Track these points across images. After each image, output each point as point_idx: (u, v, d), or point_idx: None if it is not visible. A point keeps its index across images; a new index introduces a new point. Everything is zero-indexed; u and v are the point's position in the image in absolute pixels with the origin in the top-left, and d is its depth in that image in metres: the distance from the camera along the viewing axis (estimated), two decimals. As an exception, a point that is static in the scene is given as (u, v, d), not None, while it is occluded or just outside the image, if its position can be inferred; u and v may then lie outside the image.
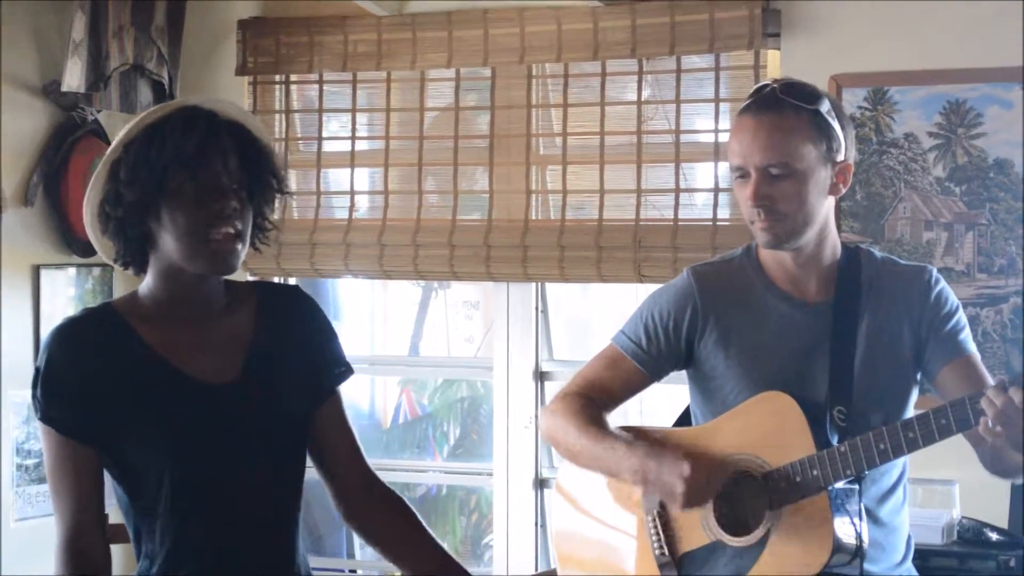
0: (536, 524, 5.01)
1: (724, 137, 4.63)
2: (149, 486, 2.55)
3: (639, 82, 4.77)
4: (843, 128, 2.96)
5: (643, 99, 4.77)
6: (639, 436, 3.10)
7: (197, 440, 2.54)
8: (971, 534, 4.03)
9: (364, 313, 6.76)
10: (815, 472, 2.88)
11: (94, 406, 2.53)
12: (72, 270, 5.05)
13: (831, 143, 2.93)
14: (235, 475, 2.56)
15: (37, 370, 2.57)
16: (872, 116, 4.43)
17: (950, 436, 2.82)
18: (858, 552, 2.92)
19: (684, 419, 3.24)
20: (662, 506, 3.06)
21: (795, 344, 2.99)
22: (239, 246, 2.54)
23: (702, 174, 4.80)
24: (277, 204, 2.69)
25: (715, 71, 4.66)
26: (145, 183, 2.50)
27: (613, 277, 4.77)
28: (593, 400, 3.11)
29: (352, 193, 5.16)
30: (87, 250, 5.03)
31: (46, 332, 4.81)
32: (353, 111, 5.15)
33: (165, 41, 5.07)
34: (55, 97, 4.93)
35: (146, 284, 2.62)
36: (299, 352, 2.67)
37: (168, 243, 2.53)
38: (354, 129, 5.17)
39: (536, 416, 4.95)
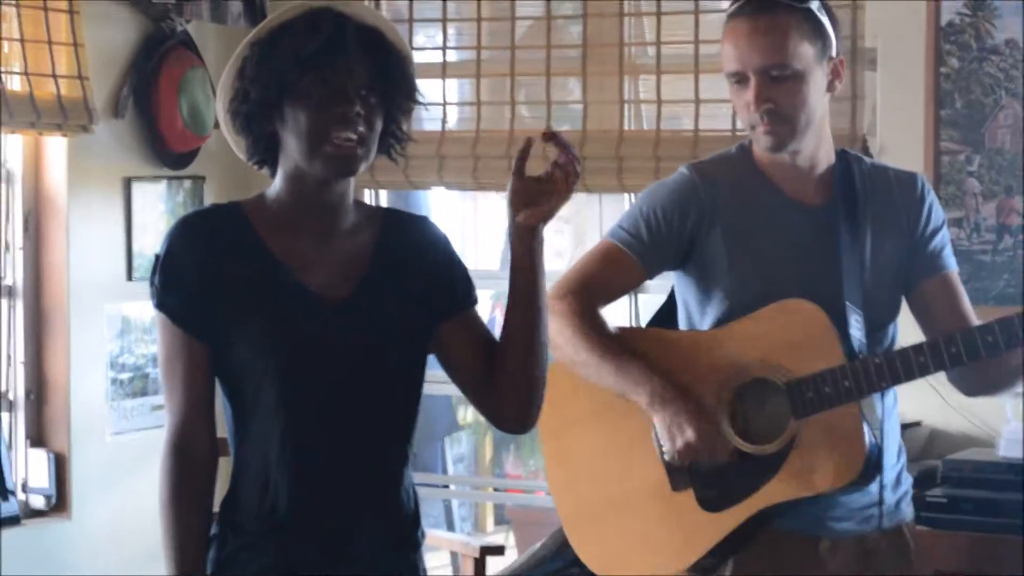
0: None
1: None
2: (248, 391, 2.54)
3: (736, -11, 4.67)
4: (833, 24, 2.95)
5: (740, 6, 4.68)
6: (650, 341, 3.06)
7: (301, 351, 2.52)
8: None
9: (455, 227, 6.73)
10: (847, 383, 2.86)
11: (208, 299, 2.52)
12: (163, 183, 5.03)
13: (825, 40, 2.93)
14: (336, 393, 2.53)
15: (157, 257, 2.56)
16: (972, 23, 4.33)
17: (996, 355, 2.84)
18: (878, 467, 2.91)
19: (661, 320, 3.20)
20: None
21: (796, 244, 2.98)
22: (359, 151, 2.51)
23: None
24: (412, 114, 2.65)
25: (815, -24, 4.55)
26: (267, 82, 2.50)
27: (709, 187, 4.70)
28: (594, 300, 3.06)
29: (444, 104, 5.11)
30: (178, 162, 5.03)
31: (138, 245, 4.88)
32: (444, 20, 5.10)
33: (256, -51, 5.03)
34: (144, 8, 4.90)
35: (274, 187, 2.61)
36: (417, 278, 2.61)
37: (290, 143, 2.53)
38: (445, 40, 5.11)
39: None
